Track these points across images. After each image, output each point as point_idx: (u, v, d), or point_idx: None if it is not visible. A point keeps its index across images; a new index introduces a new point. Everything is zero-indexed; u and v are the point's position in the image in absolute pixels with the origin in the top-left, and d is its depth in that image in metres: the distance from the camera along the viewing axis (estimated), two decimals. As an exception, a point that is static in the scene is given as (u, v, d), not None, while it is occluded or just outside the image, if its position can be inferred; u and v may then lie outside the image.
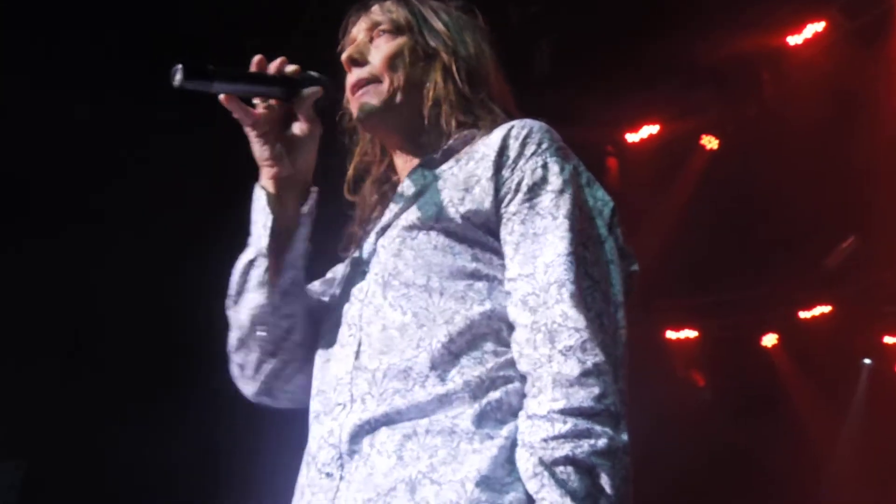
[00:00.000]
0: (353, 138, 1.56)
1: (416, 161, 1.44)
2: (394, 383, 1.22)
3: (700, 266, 6.54)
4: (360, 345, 1.28)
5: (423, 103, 1.43)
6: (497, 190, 1.28)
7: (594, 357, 1.14)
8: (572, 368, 1.13)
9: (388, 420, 1.20)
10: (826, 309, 6.82)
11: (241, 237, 1.43)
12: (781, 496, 6.77)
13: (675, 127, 6.07)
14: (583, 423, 1.10)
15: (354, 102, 1.44)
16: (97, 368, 4.57)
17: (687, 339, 7.36)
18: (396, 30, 1.45)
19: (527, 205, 1.26)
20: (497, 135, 1.32)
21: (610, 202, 1.32)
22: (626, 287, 1.27)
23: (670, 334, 7.37)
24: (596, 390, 1.12)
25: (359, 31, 1.48)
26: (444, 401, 1.19)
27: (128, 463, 4.49)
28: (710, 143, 6.18)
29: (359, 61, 1.44)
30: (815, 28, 5.15)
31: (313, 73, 1.37)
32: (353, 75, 1.44)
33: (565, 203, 1.25)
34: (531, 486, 1.11)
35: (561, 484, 1.08)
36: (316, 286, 1.54)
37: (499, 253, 1.28)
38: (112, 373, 4.56)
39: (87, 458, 4.41)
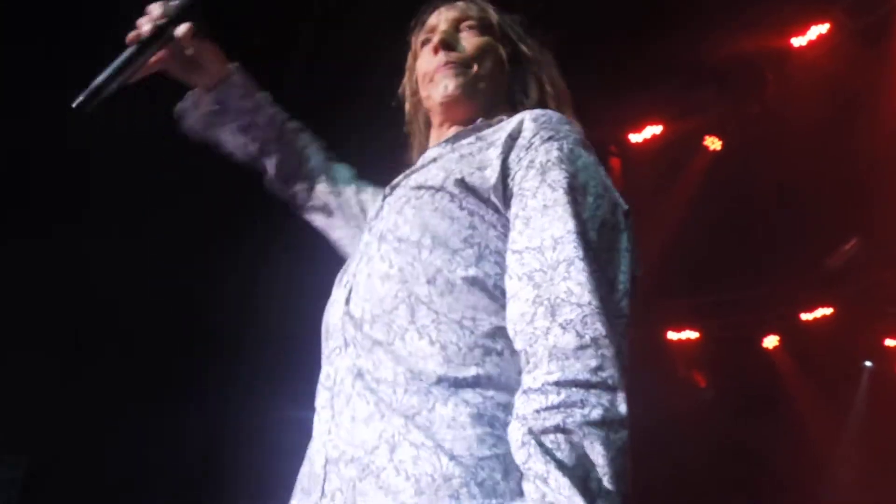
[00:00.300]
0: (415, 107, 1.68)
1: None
2: (376, 333, 1.24)
3: (702, 266, 6.54)
4: (350, 292, 1.32)
5: (501, 97, 1.54)
6: (506, 167, 1.29)
7: (593, 331, 1.11)
8: (569, 341, 1.11)
9: (368, 370, 1.22)
10: (828, 311, 6.81)
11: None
12: (782, 497, 6.77)
13: (677, 127, 6.06)
14: (577, 394, 1.08)
15: (442, 80, 1.53)
16: (97, 367, 4.57)
17: (688, 339, 7.36)
18: (484, 28, 1.58)
19: (539, 178, 1.25)
20: (516, 118, 1.36)
21: (625, 205, 1.31)
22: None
23: (671, 335, 7.36)
24: (592, 363, 1.09)
25: (441, 21, 1.58)
26: (422, 359, 1.19)
27: (128, 461, 4.50)
28: (713, 143, 6.17)
29: (453, 46, 1.54)
30: (819, 30, 5.13)
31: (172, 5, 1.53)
32: (444, 56, 1.53)
33: (582, 185, 1.25)
34: (519, 457, 1.08)
35: (547, 452, 1.05)
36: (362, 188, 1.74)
37: (496, 227, 1.28)
38: (112, 372, 4.56)
39: (87, 456, 4.41)
